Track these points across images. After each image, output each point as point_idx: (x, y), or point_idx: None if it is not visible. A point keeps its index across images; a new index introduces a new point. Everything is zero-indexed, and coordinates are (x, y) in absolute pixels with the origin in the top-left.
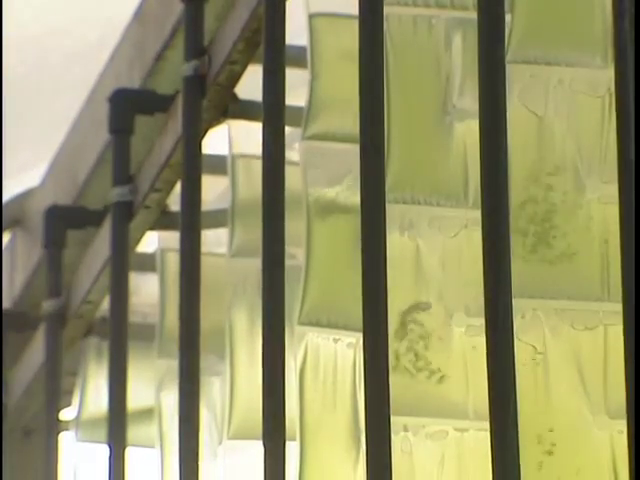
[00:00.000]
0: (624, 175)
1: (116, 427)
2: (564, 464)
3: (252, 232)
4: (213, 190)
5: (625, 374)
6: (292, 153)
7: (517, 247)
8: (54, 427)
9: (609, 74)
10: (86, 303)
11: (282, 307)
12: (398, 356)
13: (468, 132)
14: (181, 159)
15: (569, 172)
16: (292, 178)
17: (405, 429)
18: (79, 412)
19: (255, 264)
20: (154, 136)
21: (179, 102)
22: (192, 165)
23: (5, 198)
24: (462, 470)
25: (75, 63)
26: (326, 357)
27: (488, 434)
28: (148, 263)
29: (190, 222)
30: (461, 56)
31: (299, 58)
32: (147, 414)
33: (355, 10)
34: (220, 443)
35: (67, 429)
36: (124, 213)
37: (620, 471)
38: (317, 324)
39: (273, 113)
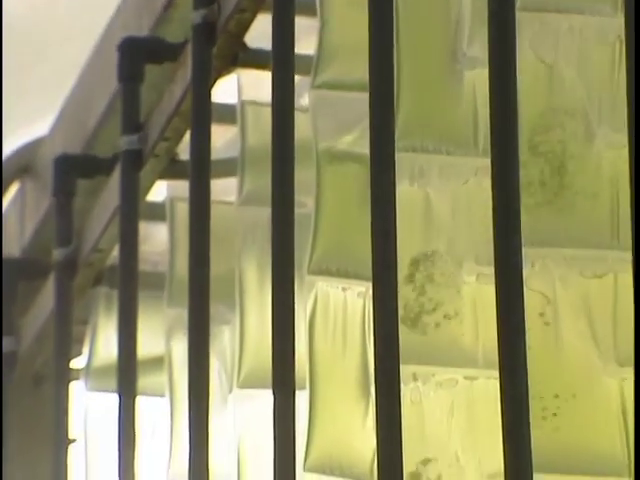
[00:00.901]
0: (633, 123)
1: (126, 376)
2: (574, 411)
3: (262, 180)
4: (222, 139)
5: (635, 321)
6: (302, 101)
7: (526, 195)
8: (64, 376)
9: (619, 21)
10: (96, 252)
11: (292, 256)
12: (408, 305)
13: (478, 80)
14: (190, 107)
15: (579, 120)
16: (302, 127)
17: (415, 378)
18: (89, 361)
19: (265, 213)
20: (163, 85)
21: (188, 50)
22: (201, 113)
23: (14, 147)
24: (472, 419)
25: (84, 11)
26: (336, 306)
27: (498, 382)
28: (157, 212)
29: (199, 171)
30: (471, 3)
31: (308, 5)
32: (157, 363)
33: None
34: (230, 392)
35: (77, 378)
36: (133, 162)
37: (629, 417)
38: (327, 273)
39: (282, 61)
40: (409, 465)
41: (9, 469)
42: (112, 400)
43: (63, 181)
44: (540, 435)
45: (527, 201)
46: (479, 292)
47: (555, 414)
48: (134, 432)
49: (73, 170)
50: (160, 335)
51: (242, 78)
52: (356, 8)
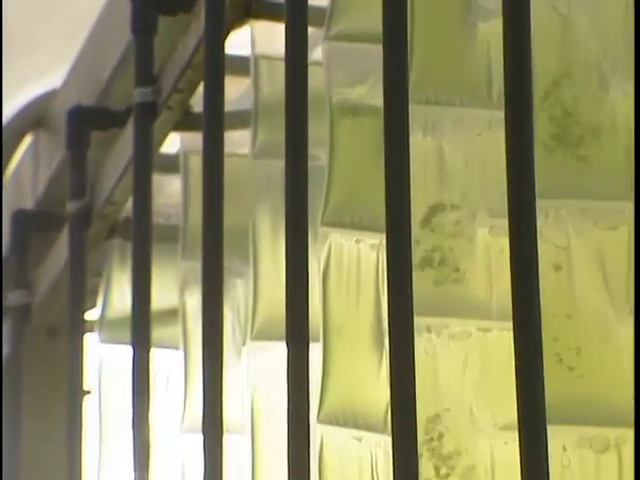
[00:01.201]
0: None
1: (140, 328)
2: (587, 362)
3: (275, 133)
4: (236, 91)
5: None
6: (315, 54)
7: (540, 147)
8: (78, 328)
9: None
10: (110, 204)
11: (305, 208)
12: (421, 257)
13: (492, 31)
14: (203, 59)
15: (593, 70)
16: (315, 78)
17: (428, 330)
18: (103, 313)
19: (278, 165)
20: (177, 37)
21: (202, 2)
22: (215, 65)
23: (27, 100)
24: (485, 370)
25: None
26: (349, 258)
27: (511, 334)
28: (171, 164)
29: (213, 123)
30: None
31: None
32: (171, 315)
33: None
34: (244, 344)
35: (91, 330)
36: (147, 114)
37: None
38: (340, 225)
39: (296, 12)
40: (423, 417)
41: (25, 420)
42: (126, 352)
43: (76, 133)
44: (553, 386)
45: (540, 152)
46: (493, 244)
47: (569, 365)
48: (148, 384)
49: (86, 122)
50: (174, 287)
51: (255, 30)
52: None
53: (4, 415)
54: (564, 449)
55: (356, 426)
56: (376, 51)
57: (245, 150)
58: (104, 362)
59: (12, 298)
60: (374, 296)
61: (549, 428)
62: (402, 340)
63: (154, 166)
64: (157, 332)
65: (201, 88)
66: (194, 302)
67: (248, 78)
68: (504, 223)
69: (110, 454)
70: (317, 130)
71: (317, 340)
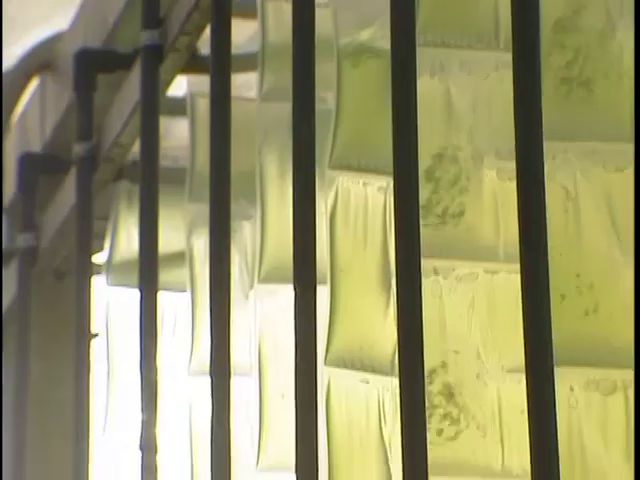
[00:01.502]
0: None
1: (147, 271)
2: (595, 302)
3: (282, 76)
4: (243, 34)
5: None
6: None
7: (548, 89)
8: (86, 270)
9: None
10: (117, 146)
11: (313, 151)
12: (428, 199)
13: None
14: (211, 1)
15: (600, 13)
16: (322, 21)
17: (435, 272)
18: (110, 256)
19: (286, 108)
20: None
21: None
22: (222, 7)
23: (34, 43)
24: (492, 313)
25: None
26: (357, 201)
27: (519, 276)
28: (178, 107)
29: (220, 65)
30: None
31: None
32: (178, 258)
33: None
34: (251, 287)
35: (98, 273)
36: (154, 56)
37: None
38: (348, 168)
39: None
40: (430, 359)
41: (33, 363)
42: (133, 295)
43: (83, 76)
44: (560, 327)
45: (548, 94)
46: (500, 186)
47: (578, 307)
48: (155, 327)
49: (93, 65)
50: (181, 230)
51: None
52: None
53: (14, 358)
54: (571, 390)
55: (363, 368)
56: None
57: (252, 93)
58: (111, 305)
59: (19, 241)
60: (381, 239)
61: (556, 370)
62: (409, 282)
63: (161, 109)
64: (164, 275)
65: (208, 31)
66: (201, 245)
67: (255, 21)
68: (512, 166)
69: (118, 396)
70: (325, 72)
71: (324, 283)
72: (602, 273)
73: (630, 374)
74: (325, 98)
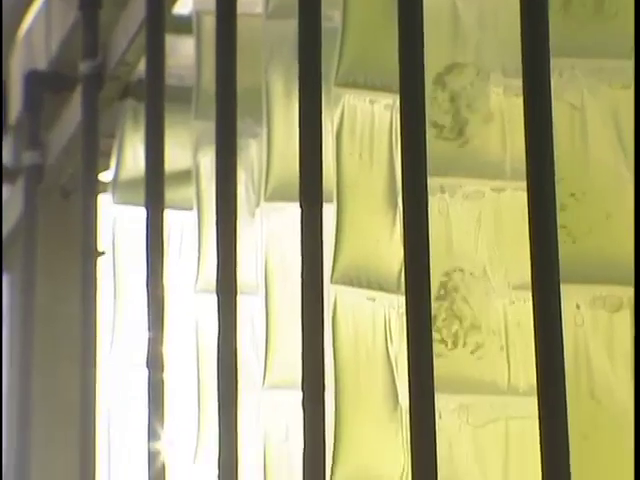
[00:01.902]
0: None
1: (153, 189)
2: (595, 208)
3: None
4: None
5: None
6: None
7: (555, 3)
8: (92, 188)
9: None
10: (122, 64)
11: (319, 68)
12: (435, 115)
13: None
14: None
15: None
16: None
17: (442, 190)
18: (116, 174)
19: (292, 25)
20: None
21: None
22: None
23: None
24: (499, 230)
25: None
26: (363, 118)
27: (525, 193)
28: (184, 25)
29: None
30: None
31: None
32: (184, 176)
33: None
34: (257, 205)
35: (105, 191)
36: None
37: None
38: (354, 85)
39: None
40: (436, 276)
41: (39, 281)
42: (140, 213)
43: None
44: (566, 247)
45: (554, 7)
46: (507, 103)
47: (584, 224)
48: (162, 244)
49: None
50: (187, 148)
51: None
52: None
53: (20, 276)
54: (577, 308)
55: (370, 286)
56: None
57: (259, 10)
58: (118, 223)
59: (25, 159)
60: (388, 156)
61: (562, 287)
62: (416, 200)
63: (167, 27)
64: (170, 193)
65: None
66: (207, 162)
67: None
68: (518, 83)
69: (124, 314)
70: None
71: (331, 201)
72: (610, 189)
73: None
74: (332, 16)
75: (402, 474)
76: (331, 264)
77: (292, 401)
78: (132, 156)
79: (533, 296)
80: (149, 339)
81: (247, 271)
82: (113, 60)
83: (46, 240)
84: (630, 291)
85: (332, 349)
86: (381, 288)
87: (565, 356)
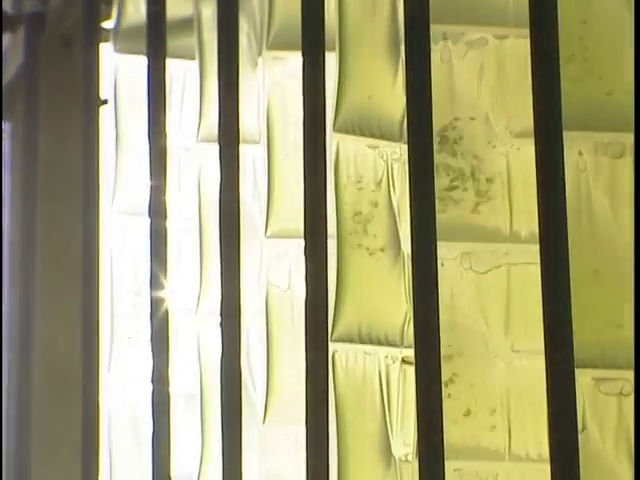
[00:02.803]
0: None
1: (155, 38)
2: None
3: None
4: None
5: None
6: None
7: None
8: (93, 37)
9: None
10: None
11: None
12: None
13: None
14: None
15: None
16: None
17: (444, 37)
18: (118, 22)
19: None
20: None
21: None
22: None
23: None
24: (502, 79)
25: None
26: None
27: (527, 41)
28: None
29: None
30: None
31: None
32: (186, 25)
33: None
34: (259, 54)
35: (107, 40)
36: None
37: None
38: None
39: None
40: (439, 125)
41: (41, 133)
42: (142, 62)
43: None
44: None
45: None
46: None
47: (585, 73)
48: (164, 94)
49: None
50: None
51: None
52: None
53: (21, 127)
54: (580, 154)
55: (372, 135)
56: None
57: None
58: (120, 72)
59: (26, 6)
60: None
61: (565, 134)
62: (419, 45)
63: None
64: (172, 42)
65: None
66: (209, 13)
67: None
68: None
69: (126, 163)
70: None
71: (333, 50)
72: (611, 58)
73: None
74: None
75: (404, 320)
76: (333, 112)
77: (294, 251)
78: (134, 4)
79: (535, 142)
80: (151, 187)
81: (249, 120)
82: None
83: (48, 89)
84: (631, 137)
85: (334, 194)
86: (383, 137)
87: (567, 201)
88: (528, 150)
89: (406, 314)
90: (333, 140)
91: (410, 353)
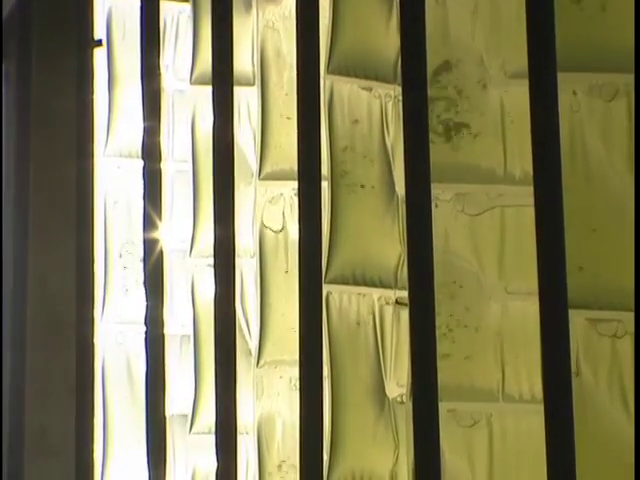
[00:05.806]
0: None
1: None
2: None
3: None
4: None
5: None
6: None
7: None
8: None
9: None
10: None
11: None
12: None
13: None
14: None
15: None
16: None
17: None
18: None
19: None
20: None
21: None
22: None
23: None
24: (495, 18)
25: None
26: None
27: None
28: None
29: None
30: None
31: None
32: None
33: None
34: None
35: None
36: None
37: None
38: None
39: None
40: (434, 66)
41: (35, 75)
42: (136, 4)
43: None
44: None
45: None
46: None
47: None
48: (158, 37)
49: None
50: None
51: None
52: None
53: (15, 71)
54: (574, 94)
55: (366, 77)
56: None
57: None
58: (113, 12)
59: None
60: None
61: (559, 75)
62: None
63: None
64: None
65: None
66: None
67: None
68: None
69: (120, 107)
70: None
71: None
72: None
73: (631, 79)
74: None
75: (399, 261)
76: (326, 55)
77: (289, 191)
78: None
79: (530, 82)
80: (145, 130)
81: (244, 63)
82: None
83: (41, 30)
84: (626, 78)
85: (327, 135)
86: (377, 78)
87: (561, 141)
88: (523, 89)
89: (400, 256)
90: (327, 82)
91: (404, 294)
